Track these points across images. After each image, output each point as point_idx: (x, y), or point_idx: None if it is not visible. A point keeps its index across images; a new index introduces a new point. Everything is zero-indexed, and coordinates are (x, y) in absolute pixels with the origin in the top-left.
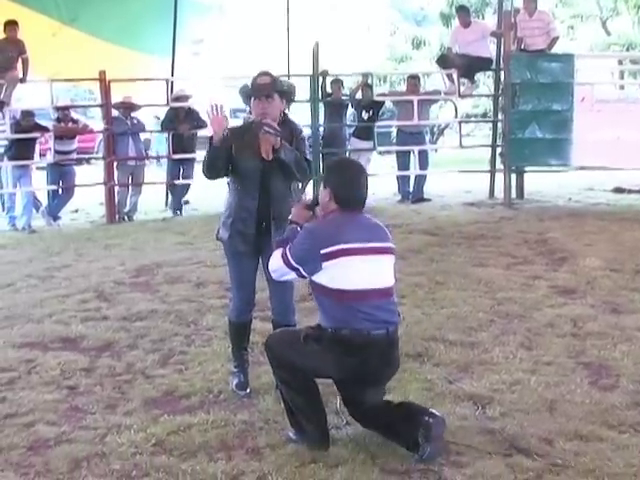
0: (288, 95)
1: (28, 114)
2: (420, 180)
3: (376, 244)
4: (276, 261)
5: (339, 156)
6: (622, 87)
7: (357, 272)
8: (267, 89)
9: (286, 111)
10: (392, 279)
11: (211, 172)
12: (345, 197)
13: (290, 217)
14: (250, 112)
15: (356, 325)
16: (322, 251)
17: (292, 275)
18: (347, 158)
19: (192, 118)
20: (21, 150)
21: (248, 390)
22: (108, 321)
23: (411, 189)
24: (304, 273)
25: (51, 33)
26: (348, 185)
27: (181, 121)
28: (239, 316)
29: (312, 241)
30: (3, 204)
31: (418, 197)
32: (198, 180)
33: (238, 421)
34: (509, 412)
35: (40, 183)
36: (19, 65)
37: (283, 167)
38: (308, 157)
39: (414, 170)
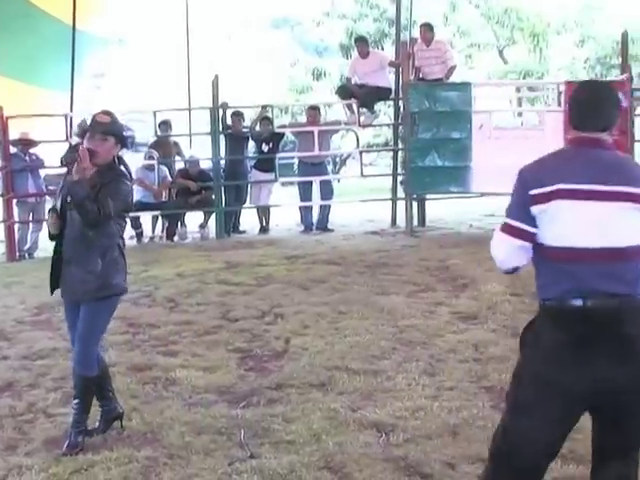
0: (124, 140)
1: None
2: (325, 210)
3: (614, 187)
4: (494, 240)
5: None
6: (520, 114)
7: (574, 223)
8: (104, 127)
9: (120, 156)
10: (632, 237)
11: None
12: (579, 117)
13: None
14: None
15: (566, 297)
16: (531, 192)
17: (513, 244)
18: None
19: None
20: None
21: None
22: (8, 360)
23: (315, 219)
24: (521, 225)
25: None
26: (584, 104)
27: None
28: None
29: (521, 181)
30: None
31: (323, 226)
32: None
33: (142, 457)
34: (412, 438)
35: None
36: None
37: (75, 203)
38: (107, 206)
39: (317, 200)
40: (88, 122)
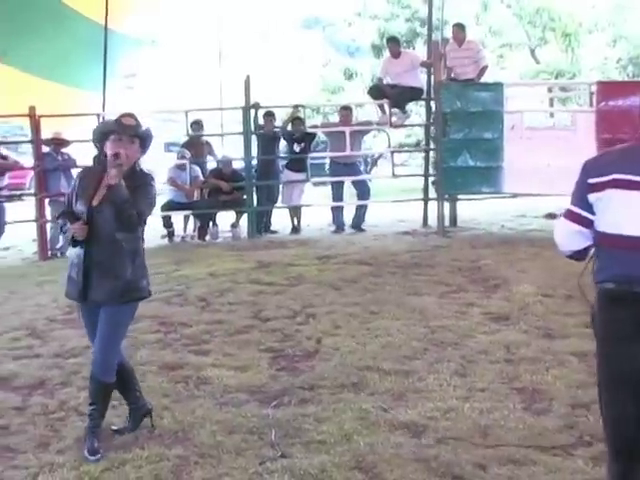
0: (147, 143)
1: None
2: (360, 210)
3: None
4: (556, 224)
5: None
6: (551, 114)
7: (625, 212)
8: (132, 130)
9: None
10: None
11: None
12: None
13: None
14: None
15: (615, 281)
16: (590, 180)
17: (571, 228)
18: None
19: None
20: None
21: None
22: (41, 359)
23: (350, 218)
24: (579, 211)
25: None
26: None
27: None
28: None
29: (583, 170)
30: None
31: (358, 226)
32: None
33: (172, 456)
34: (443, 439)
35: None
36: None
37: (114, 208)
38: (144, 209)
39: (354, 200)
40: (106, 126)
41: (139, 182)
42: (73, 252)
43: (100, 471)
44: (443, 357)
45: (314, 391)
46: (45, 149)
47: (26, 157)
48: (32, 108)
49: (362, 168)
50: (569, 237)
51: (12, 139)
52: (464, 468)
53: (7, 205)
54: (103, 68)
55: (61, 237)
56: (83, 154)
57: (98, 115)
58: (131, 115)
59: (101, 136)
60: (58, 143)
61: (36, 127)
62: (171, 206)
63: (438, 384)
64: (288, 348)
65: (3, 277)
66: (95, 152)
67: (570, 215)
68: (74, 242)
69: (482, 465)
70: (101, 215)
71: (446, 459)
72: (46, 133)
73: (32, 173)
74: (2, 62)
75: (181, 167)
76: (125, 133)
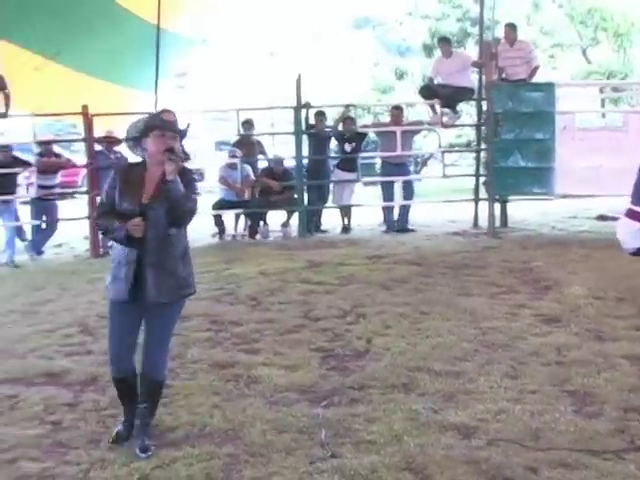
0: (182, 139)
1: (4, 148)
2: (404, 210)
3: None
4: (619, 226)
5: None
6: (603, 115)
7: None
8: (174, 126)
9: None
10: None
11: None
12: None
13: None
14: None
15: None
16: None
17: (632, 226)
18: None
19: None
20: (1, 185)
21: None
22: (92, 355)
23: (395, 219)
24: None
25: (33, 67)
26: None
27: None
28: (117, 370)
29: None
30: None
31: (402, 227)
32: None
33: (223, 454)
34: (494, 441)
35: (25, 218)
36: (0, 100)
37: (167, 204)
38: (195, 204)
39: (399, 200)
40: (150, 121)
41: (187, 177)
42: (121, 252)
43: (151, 468)
44: (494, 359)
45: (364, 391)
46: (97, 147)
47: (79, 155)
48: (85, 107)
49: (411, 168)
50: (631, 235)
51: (65, 137)
52: (515, 471)
53: (60, 203)
54: (155, 68)
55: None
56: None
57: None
58: (170, 111)
59: (143, 132)
60: (110, 141)
61: (89, 126)
62: (222, 205)
63: (489, 386)
64: (338, 348)
65: (56, 274)
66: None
67: (631, 213)
68: (128, 241)
69: (533, 468)
70: (154, 212)
71: (497, 461)
72: (98, 132)
73: (84, 171)
74: (56, 62)
75: (232, 166)
76: (168, 129)
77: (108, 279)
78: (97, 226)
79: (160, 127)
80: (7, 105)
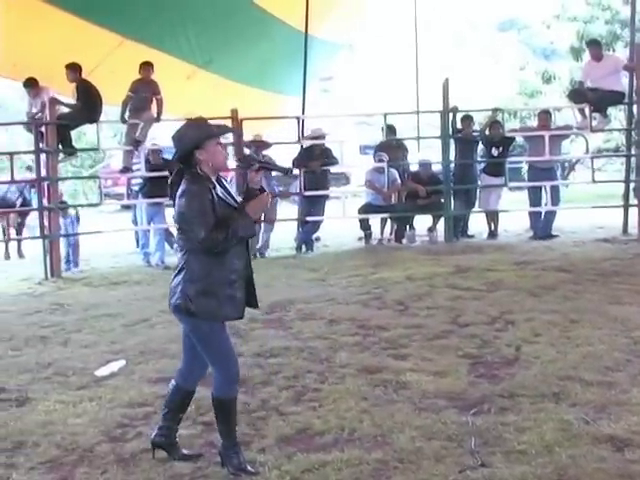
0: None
1: (156, 152)
2: (549, 216)
3: None
4: None
5: None
6: None
7: None
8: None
9: None
10: None
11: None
12: None
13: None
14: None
15: None
16: None
17: None
18: None
19: (326, 156)
20: (154, 188)
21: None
22: (242, 357)
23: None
24: None
25: (185, 76)
26: None
27: (315, 158)
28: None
29: None
30: (138, 241)
31: (546, 234)
32: (329, 217)
33: (372, 460)
34: None
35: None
36: (153, 105)
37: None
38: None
39: (546, 206)
40: (223, 129)
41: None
42: (225, 273)
43: (301, 472)
44: None
45: (514, 400)
46: (246, 151)
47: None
48: (234, 111)
49: (559, 173)
50: None
51: None
52: None
53: None
54: (303, 74)
55: (260, 237)
56: (283, 156)
57: (297, 118)
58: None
59: (203, 137)
60: (259, 145)
61: (238, 130)
62: (368, 209)
63: None
64: (487, 355)
65: None
66: (295, 154)
67: None
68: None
69: None
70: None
71: None
72: (247, 136)
73: (233, 174)
74: (207, 70)
75: (379, 170)
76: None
77: (212, 303)
78: (213, 241)
79: (218, 135)
80: (159, 110)
